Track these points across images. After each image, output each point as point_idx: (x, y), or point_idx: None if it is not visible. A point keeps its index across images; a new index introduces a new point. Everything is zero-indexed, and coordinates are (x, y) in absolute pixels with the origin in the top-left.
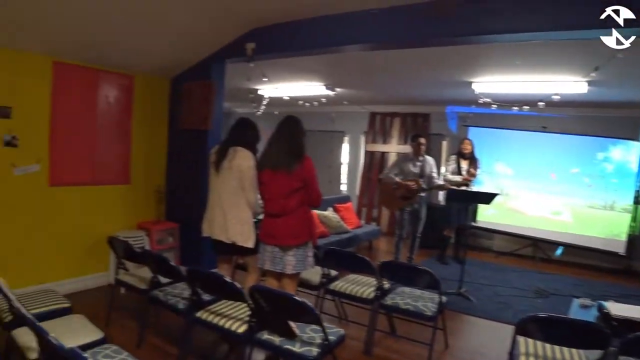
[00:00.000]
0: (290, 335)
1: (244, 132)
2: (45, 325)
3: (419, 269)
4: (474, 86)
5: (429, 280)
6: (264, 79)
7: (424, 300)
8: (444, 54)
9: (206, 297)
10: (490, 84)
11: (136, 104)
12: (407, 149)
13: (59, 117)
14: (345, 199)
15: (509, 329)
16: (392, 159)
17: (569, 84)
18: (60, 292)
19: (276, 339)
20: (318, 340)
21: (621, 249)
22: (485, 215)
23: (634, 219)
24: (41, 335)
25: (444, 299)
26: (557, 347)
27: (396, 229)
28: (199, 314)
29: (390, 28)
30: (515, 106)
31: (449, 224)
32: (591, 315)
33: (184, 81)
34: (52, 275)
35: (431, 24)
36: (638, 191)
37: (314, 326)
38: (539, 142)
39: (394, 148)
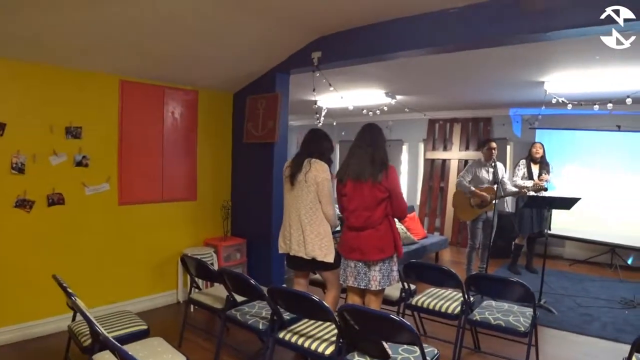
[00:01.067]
0: (384, 357)
1: (317, 143)
2: (126, 348)
3: (511, 281)
4: (546, 86)
5: (522, 293)
6: (330, 88)
7: (515, 315)
8: (515, 53)
9: (286, 315)
10: (564, 82)
11: (201, 119)
12: (469, 155)
13: (126, 135)
14: (410, 209)
15: (598, 342)
16: (453, 166)
17: None
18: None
19: None
20: None
21: None
22: (556, 222)
23: None
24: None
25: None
26: None
27: (469, 239)
28: (281, 335)
29: (468, 28)
30: (596, 104)
31: (521, 231)
32: None
33: (247, 94)
34: (124, 294)
35: (513, 20)
36: None
37: (405, 346)
38: (612, 142)
39: (455, 155)
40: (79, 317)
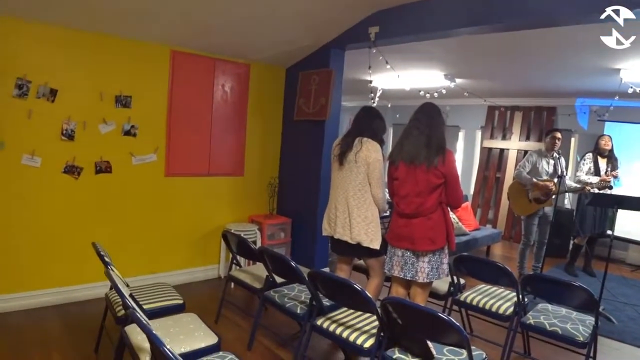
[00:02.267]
0: (428, 357)
1: (370, 122)
2: (158, 322)
3: (572, 285)
4: (622, 74)
5: (584, 299)
6: (387, 66)
7: (574, 322)
8: (588, 35)
9: (326, 301)
10: None
11: (252, 93)
12: (529, 146)
13: (176, 107)
14: (463, 198)
15: None
16: (512, 156)
17: None
18: (170, 283)
19: (409, 359)
20: None
21: None
22: (620, 223)
23: None
24: (154, 344)
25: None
26: None
27: (523, 235)
28: (319, 322)
29: (537, 3)
30: None
31: (582, 231)
32: None
33: (300, 70)
34: (164, 265)
35: None
36: None
37: (451, 346)
38: None
39: (514, 145)
40: None
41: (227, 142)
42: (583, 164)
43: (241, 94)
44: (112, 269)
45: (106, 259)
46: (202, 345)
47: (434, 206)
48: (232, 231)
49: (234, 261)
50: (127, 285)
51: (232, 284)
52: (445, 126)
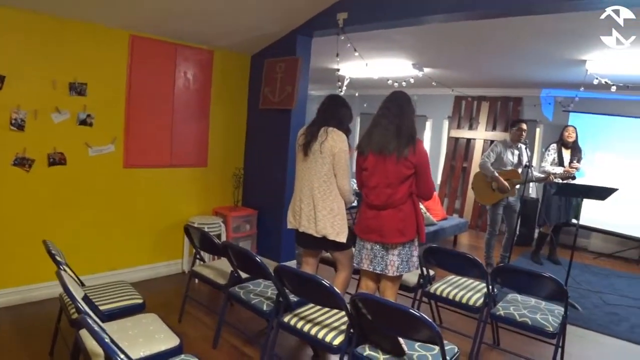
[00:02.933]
0: (399, 353)
1: (336, 110)
2: (116, 325)
3: (543, 276)
4: (587, 65)
5: (554, 289)
6: (355, 54)
7: (543, 313)
8: (556, 25)
9: (293, 297)
10: (609, 62)
11: (215, 81)
12: (495, 135)
13: (135, 95)
14: None
15: (626, 346)
16: (478, 146)
17: None
18: (131, 280)
19: (380, 356)
20: None
21: None
22: (582, 212)
23: None
24: (108, 353)
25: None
26: None
27: (489, 225)
28: (286, 319)
29: None
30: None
31: (548, 220)
32: None
33: (266, 57)
34: (124, 262)
35: None
36: None
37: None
38: None
39: (481, 135)
40: None
41: (189, 132)
42: (548, 154)
43: (204, 82)
44: (64, 269)
45: (58, 258)
46: (163, 348)
47: (404, 197)
48: (195, 225)
49: (197, 256)
50: (82, 285)
51: (196, 280)
52: (415, 115)
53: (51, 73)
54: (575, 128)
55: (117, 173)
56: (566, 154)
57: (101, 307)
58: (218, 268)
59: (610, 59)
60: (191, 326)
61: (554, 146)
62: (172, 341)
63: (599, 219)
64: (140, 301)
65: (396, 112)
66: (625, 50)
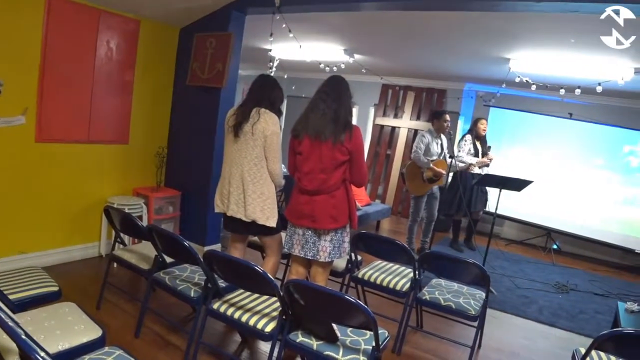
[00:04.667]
0: (332, 339)
1: (268, 91)
2: (29, 316)
3: (467, 262)
4: (511, 63)
5: (477, 275)
6: (290, 35)
7: (465, 297)
8: (481, 22)
9: (221, 282)
10: (531, 62)
11: (140, 53)
12: (419, 125)
13: (50, 63)
14: None
15: (535, 327)
16: (402, 134)
17: (617, 69)
18: (43, 265)
19: (314, 342)
20: (364, 346)
21: (639, 247)
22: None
23: None
24: (23, 350)
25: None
26: None
27: (412, 212)
28: (216, 306)
29: None
30: (562, 88)
31: (463, 207)
32: None
33: (196, 31)
34: (35, 244)
35: None
36: None
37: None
38: (562, 129)
39: (405, 123)
40: None
41: (110, 106)
42: (464, 144)
43: (129, 53)
44: None
45: None
46: (84, 340)
47: (338, 183)
48: (115, 206)
49: (118, 239)
50: None
51: (115, 264)
52: (352, 101)
53: None
54: (486, 121)
55: (28, 147)
56: (478, 145)
57: (11, 297)
58: (140, 252)
59: (533, 59)
60: (111, 314)
61: (469, 137)
62: (94, 332)
63: (511, 208)
64: (56, 288)
65: (334, 97)
66: (546, 52)
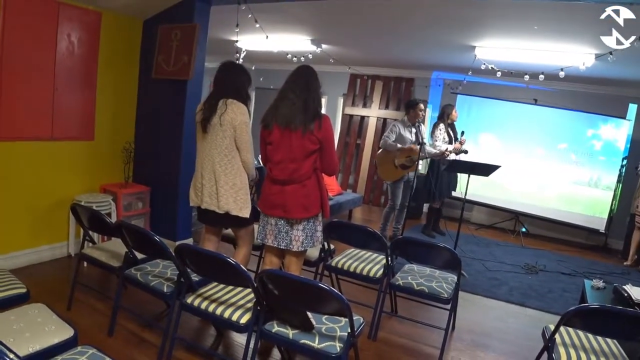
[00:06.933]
0: (307, 328)
1: (232, 79)
2: None
3: (438, 246)
4: (476, 51)
5: (449, 259)
6: (256, 25)
7: (438, 281)
8: (449, 9)
9: (194, 276)
10: (495, 50)
11: (103, 46)
12: (388, 114)
13: (8, 57)
14: None
15: (506, 307)
16: (372, 124)
17: (578, 56)
18: (10, 267)
19: (289, 332)
20: (339, 333)
21: (602, 227)
22: (464, 186)
23: (615, 198)
24: None
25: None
26: (591, 336)
27: (390, 199)
28: (189, 300)
29: None
30: (527, 75)
31: (440, 195)
32: (607, 299)
33: (160, 23)
34: (1, 246)
35: None
36: (622, 170)
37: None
38: (528, 115)
39: (374, 113)
40: None
41: (73, 101)
42: (439, 132)
43: (91, 46)
44: None
45: None
46: (56, 340)
47: (309, 173)
48: (83, 203)
49: (87, 238)
50: None
51: (85, 263)
52: (321, 90)
53: None
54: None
55: None
56: (450, 132)
57: None
58: (110, 249)
59: (498, 46)
60: (83, 314)
61: (442, 125)
62: (65, 332)
63: (480, 194)
64: (24, 290)
65: (303, 86)
66: (510, 40)
